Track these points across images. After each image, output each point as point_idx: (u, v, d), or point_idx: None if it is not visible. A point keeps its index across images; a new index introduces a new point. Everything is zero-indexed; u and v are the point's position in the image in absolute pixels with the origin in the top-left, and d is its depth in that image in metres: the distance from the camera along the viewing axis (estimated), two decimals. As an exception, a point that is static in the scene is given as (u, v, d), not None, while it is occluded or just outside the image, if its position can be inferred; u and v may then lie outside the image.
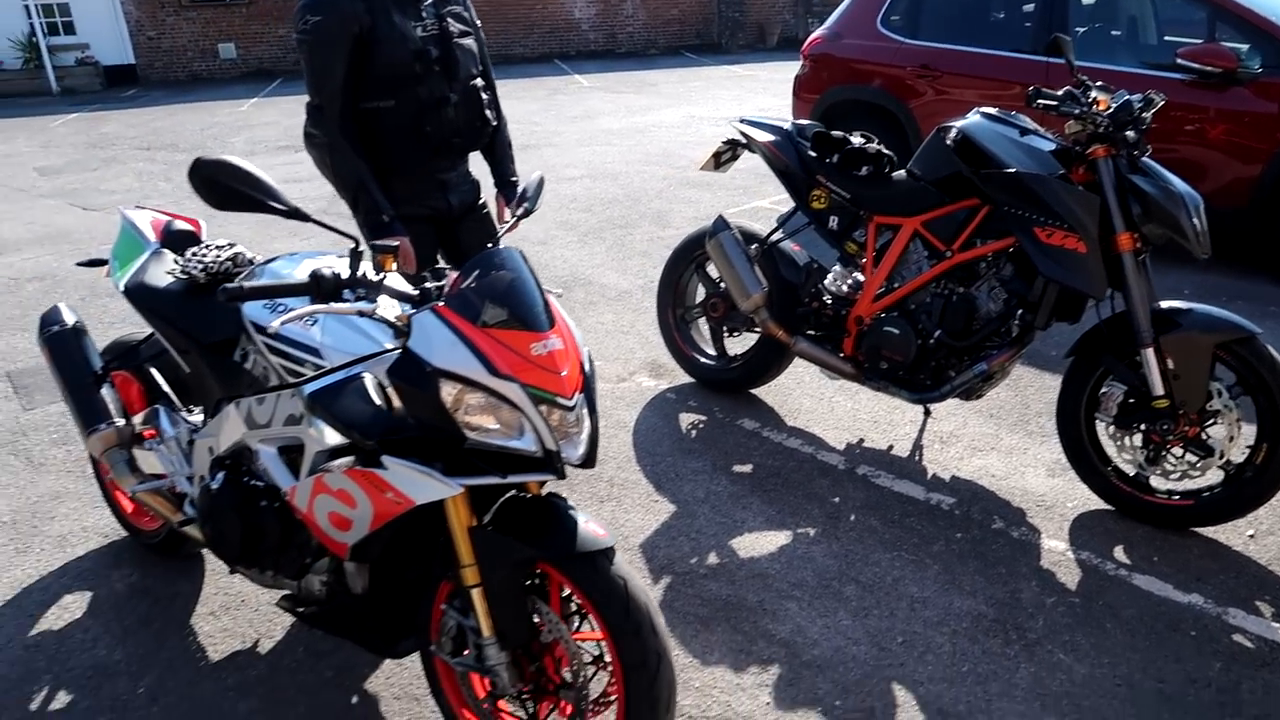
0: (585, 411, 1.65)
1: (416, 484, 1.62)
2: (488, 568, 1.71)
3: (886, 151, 3.14)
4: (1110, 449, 2.82)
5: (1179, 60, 4.52)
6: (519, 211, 1.99)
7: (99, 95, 13.75)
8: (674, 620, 2.43)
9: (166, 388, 2.45)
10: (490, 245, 1.75)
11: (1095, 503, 2.89)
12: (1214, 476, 2.71)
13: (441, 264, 2.73)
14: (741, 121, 3.48)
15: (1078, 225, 2.60)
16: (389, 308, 1.71)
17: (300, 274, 1.92)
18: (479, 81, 2.67)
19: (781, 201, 6.51)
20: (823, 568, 2.64)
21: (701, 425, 3.49)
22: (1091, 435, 2.82)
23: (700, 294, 3.74)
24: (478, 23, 2.72)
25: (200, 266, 2.15)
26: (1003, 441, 3.31)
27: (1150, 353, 2.59)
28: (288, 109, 11.80)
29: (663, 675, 1.68)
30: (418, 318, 1.59)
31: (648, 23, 18.24)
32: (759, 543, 2.76)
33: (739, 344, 3.71)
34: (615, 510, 2.95)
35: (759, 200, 6.72)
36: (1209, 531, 2.74)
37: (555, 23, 17.51)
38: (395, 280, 1.83)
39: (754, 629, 2.40)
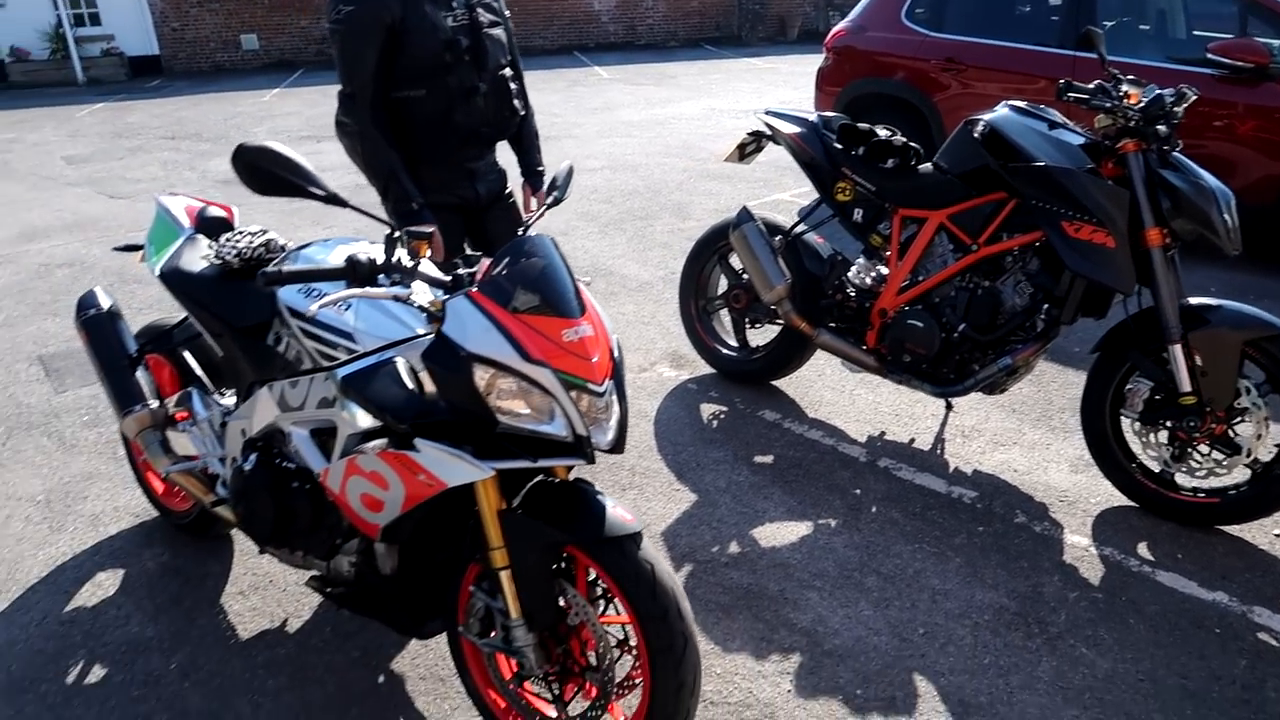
0: (614, 398, 1.67)
1: (448, 466, 1.65)
2: (516, 551, 1.73)
3: (913, 144, 3.13)
4: (1135, 445, 2.82)
5: (1209, 55, 4.48)
6: (548, 200, 2.01)
7: (124, 85, 13.88)
8: (695, 608, 2.45)
9: (199, 371, 2.49)
10: (518, 234, 1.77)
11: (1118, 499, 2.88)
12: (1240, 474, 2.70)
13: (471, 251, 2.76)
14: (766, 113, 3.48)
15: (1106, 220, 2.59)
16: (422, 293, 1.74)
17: (334, 259, 1.95)
18: (507, 71, 2.69)
19: (802, 194, 6.50)
20: (844, 558, 2.65)
21: (723, 416, 3.50)
22: (1116, 431, 2.81)
23: (723, 285, 3.75)
24: (506, 13, 2.74)
25: (234, 252, 2.19)
26: (1025, 436, 3.30)
27: (1178, 349, 2.58)
28: (309, 99, 11.87)
29: (688, 659, 1.71)
30: (452, 303, 1.61)
31: (668, 15, 18.20)
32: (780, 533, 2.78)
33: (760, 335, 3.72)
34: (637, 498, 2.97)
35: (779, 193, 6.71)
36: (1234, 529, 2.73)
37: (575, 14, 17.51)
38: (427, 267, 1.86)
39: (775, 617, 2.41)
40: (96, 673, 2.27)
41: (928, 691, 2.15)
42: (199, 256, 2.28)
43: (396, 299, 1.62)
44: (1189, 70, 4.63)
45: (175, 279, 2.25)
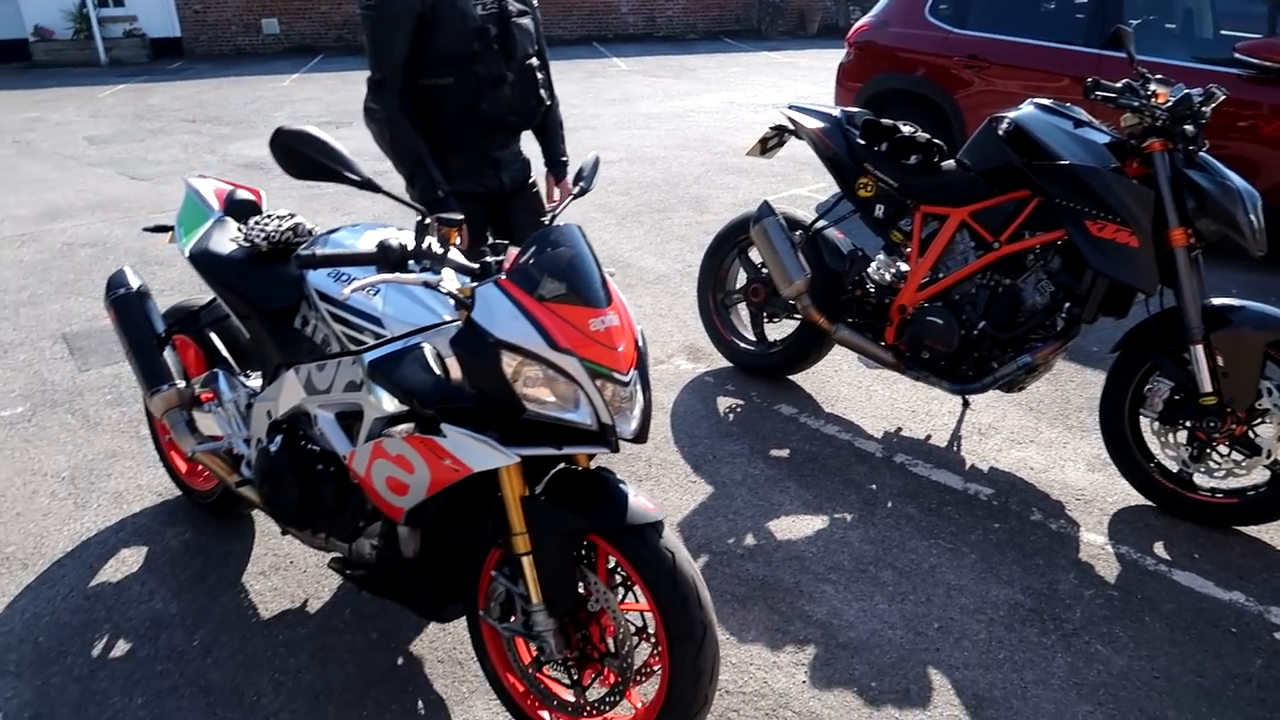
0: (638, 387, 1.69)
1: (474, 452, 1.67)
2: (539, 537, 1.75)
3: (936, 141, 3.13)
4: (1154, 445, 2.81)
5: (1237, 54, 4.44)
6: (574, 191, 2.02)
7: (145, 67, 13.96)
8: (711, 598, 2.46)
9: (225, 352, 2.52)
10: (543, 223, 1.79)
11: (1135, 498, 2.89)
12: (1260, 475, 2.70)
13: (497, 240, 2.78)
14: (790, 108, 3.48)
15: (1131, 219, 2.58)
16: (451, 280, 1.76)
17: (364, 245, 1.97)
18: (534, 61, 2.70)
19: (820, 190, 6.48)
20: (859, 552, 2.66)
21: (739, 409, 3.52)
22: (1135, 431, 2.81)
23: (741, 279, 3.76)
24: (534, 3, 2.75)
25: (263, 235, 2.21)
26: (1042, 435, 3.30)
27: (1199, 349, 2.58)
28: (329, 85, 11.91)
29: (707, 647, 1.72)
30: (481, 290, 1.63)
31: (687, 7, 18.13)
32: (795, 526, 2.79)
33: (778, 330, 3.73)
34: (654, 489, 2.98)
35: (797, 188, 6.70)
36: (1252, 530, 2.73)
37: (594, 5, 17.47)
38: (456, 254, 1.88)
39: (790, 609, 2.43)
40: (121, 647, 2.31)
41: (942, 685, 2.17)
42: (228, 239, 2.30)
43: (427, 285, 1.64)
44: (1215, 70, 4.60)
45: (204, 260, 2.27)
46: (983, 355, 3.01)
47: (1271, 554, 2.63)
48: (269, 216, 2.28)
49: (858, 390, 3.67)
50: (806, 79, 12.22)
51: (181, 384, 2.45)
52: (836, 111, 3.36)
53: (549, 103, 2.82)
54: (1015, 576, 2.55)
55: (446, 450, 1.69)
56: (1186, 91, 2.58)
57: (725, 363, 3.85)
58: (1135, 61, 2.80)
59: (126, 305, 2.47)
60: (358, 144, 7.27)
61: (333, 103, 10.50)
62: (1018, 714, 2.08)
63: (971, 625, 2.36)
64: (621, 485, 1.77)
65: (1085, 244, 2.68)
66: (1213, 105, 2.61)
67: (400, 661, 2.26)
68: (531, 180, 2.90)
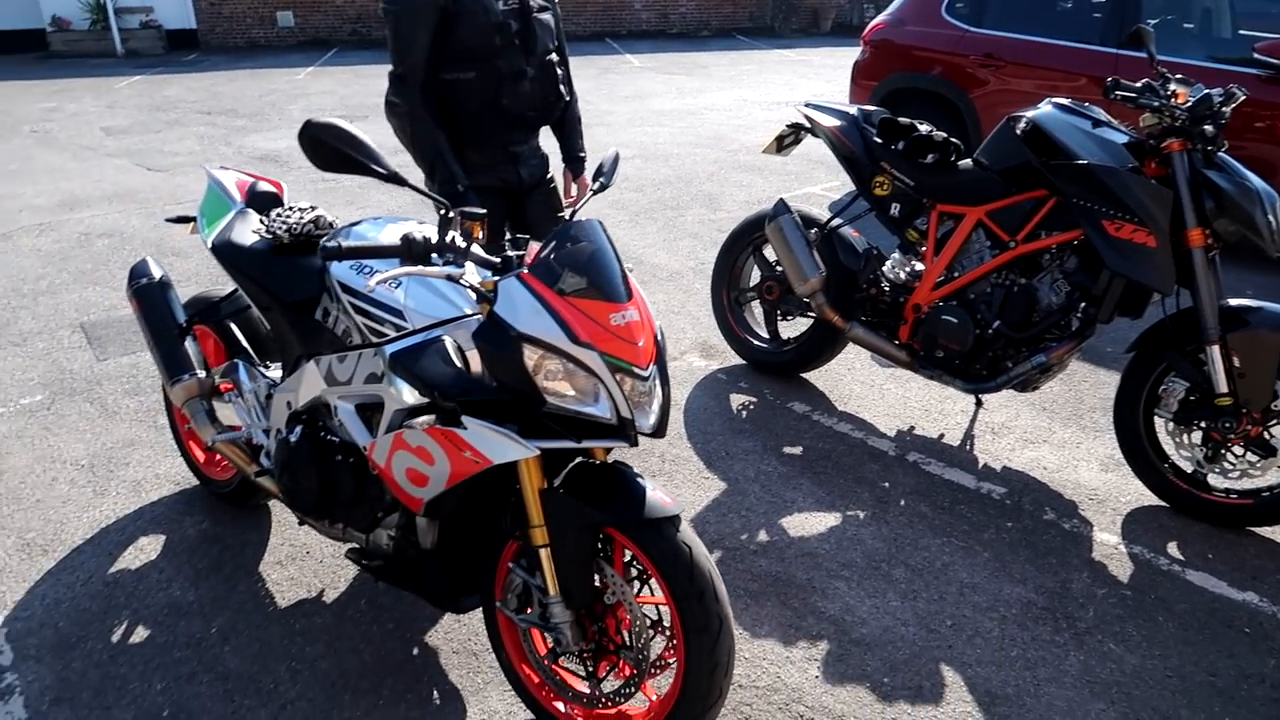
0: (657, 382, 1.70)
1: (495, 444, 1.68)
2: (557, 529, 1.77)
3: (953, 140, 3.13)
4: (1168, 445, 2.81)
5: (1255, 55, 4.42)
6: (594, 186, 2.03)
7: (161, 59, 14.02)
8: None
9: (245, 343, 2.54)
10: (560, 218, 1.80)
11: (1149, 498, 2.89)
12: (1274, 476, 2.70)
13: (518, 235, 2.80)
14: (806, 106, 3.48)
15: (1148, 219, 2.58)
16: (473, 274, 1.77)
17: (386, 238, 1.99)
18: (554, 57, 2.71)
19: (833, 188, 6.48)
20: (872, 550, 2.67)
21: (752, 406, 3.52)
22: (1149, 431, 2.81)
23: (755, 276, 3.76)
24: (555, -1, 2.76)
25: (284, 227, 2.23)
26: (1055, 435, 3.30)
27: (1216, 350, 2.58)
28: (342, 79, 11.94)
29: (723, 640, 1.74)
30: (504, 283, 1.65)
31: (701, 4, 18.10)
32: (808, 523, 2.80)
33: (792, 328, 3.73)
34: (667, 485, 3.00)
35: (810, 186, 6.69)
36: (1266, 531, 2.73)
37: (608, 1, 17.45)
38: (477, 248, 1.89)
39: (803, 605, 2.44)
40: (140, 633, 2.34)
41: (954, 682, 2.18)
42: (250, 230, 2.32)
43: (450, 278, 1.65)
44: (1233, 70, 4.58)
45: (226, 251, 2.30)
46: (997, 354, 3.01)
47: (1286, 556, 2.63)
48: (291, 209, 2.30)
49: (871, 388, 3.67)
50: (820, 77, 12.19)
51: (202, 374, 2.47)
52: (853, 110, 3.36)
53: (568, 98, 2.83)
54: (1028, 575, 2.55)
55: (467, 442, 1.71)
56: (1206, 92, 2.58)
57: (738, 360, 3.86)
58: (1156, 61, 2.79)
59: (149, 295, 2.49)
60: (374, 138, 7.29)
61: (347, 96, 10.53)
62: (1030, 711, 2.09)
63: (984, 623, 2.37)
64: (639, 479, 1.79)
65: (1102, 244, 2.68)
66: (1233, 106, 2.60)
67: (416, 652, 2.28)
68: (549, 175, 2.91)
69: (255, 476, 2.42)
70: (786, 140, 3.55)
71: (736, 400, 3.57)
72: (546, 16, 2.66)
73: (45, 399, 3.55)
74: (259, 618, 2.40)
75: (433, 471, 1.80)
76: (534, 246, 1.78)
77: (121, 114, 9.47)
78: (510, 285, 1.64)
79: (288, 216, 2.26)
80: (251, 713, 2.09)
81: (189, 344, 2.47)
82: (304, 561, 2.61)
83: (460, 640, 2.32)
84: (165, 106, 9.90)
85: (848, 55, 6.60)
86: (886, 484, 3.01)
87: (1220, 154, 2.62)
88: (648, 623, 1.84)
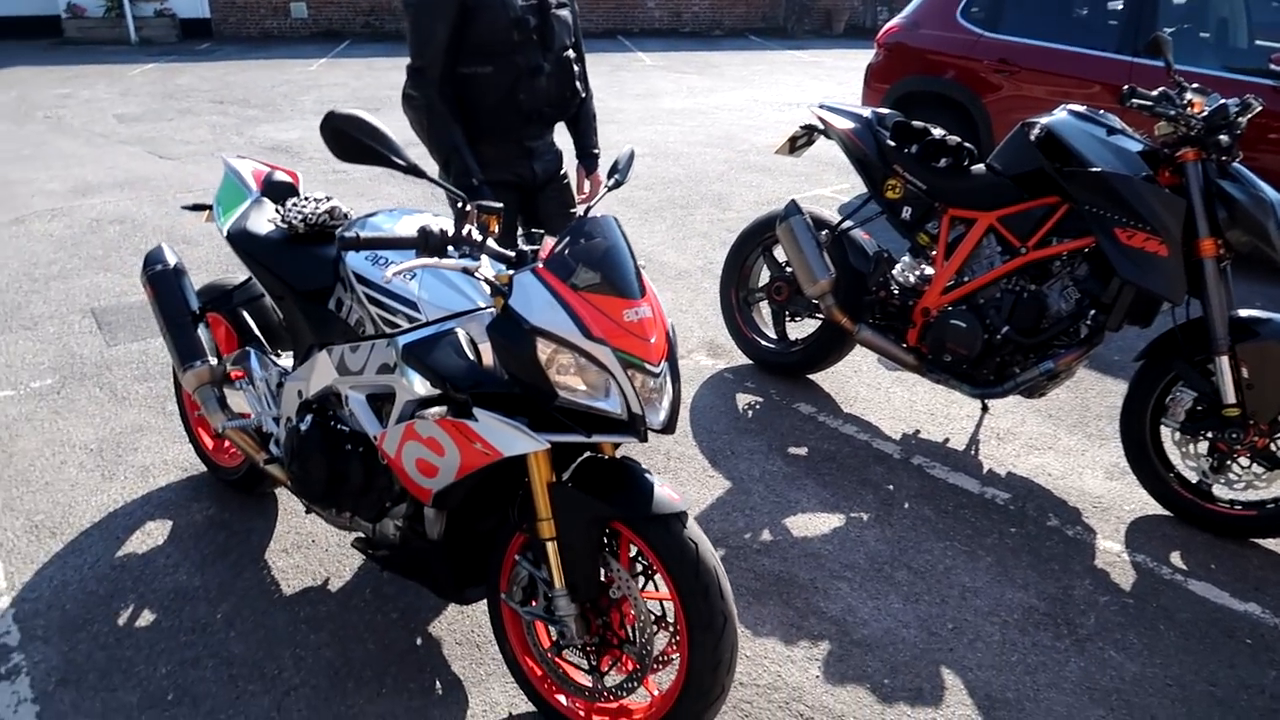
0: (668, 379, 1.71)
1: (505, 437, 1.69)
2: (564, 523, 1.78)
3: (966, 145, 3.13)
4: (1174, 455, 2.82)
5: (1272, 65, 4.41)
6: (609, 183, 2.04)
7: (174, 47, 14.05)
8: (728, 590, 2.49)
9: (257, 331, 2.55)
10: (572, 214, 1.81)
11: (1153, 507, 2.89)
12: (1279, 488, 2.69)
13: (533, 230, 2.82)
14: (820, 107, 3.49)
15: (1160, 228, 2.58)
16: (488, 267, 1.78)
17: (402, 229, 2.00)
18: (571, 53, 2.72)
19: (843, 190, 6.48)
20: (875, 551, 2.68)
21: (758, 406, 3.53)
22: (1155, 440, 2.81)
23: (765, 277, 3.77)
24: (573, -5, 2.77)
25: (300, 217, 2.24)
26: (1061, 442, 3.30)
27: (1225, 360, 2.58)
28: (355, 71, 11.96)
29: (727, 637, 1.75)
30: (519, 277, 1.66)
31: (713, 3, 18.07)
32: (812, 523, 2.81)
33: (799, 329, 3.74)
34: (671, 482, 3.01)
35: (820, 188, 6.69)
36: (1270, 543, 2.73)
37: (621, -1, 17.46)
38: (491, 242, 1.90)
39: (805, 605, 2.45)
40: (146, 617, 2.36)
41: (955, 685, 2.18)
42: (265, 220, 2.34)
43: (466, 271, 1.66)
44: (1249, 80, 4.57)
45: (241, 240, 2.31)
46: (1005, 360, 3.01)
47: (1289, 568, 2.63)
48: (306, 199, 2.31)
49: (877, 391, 3.68)
50: (831, 78, 12.18)
51: (214, 361, 2.49)
52: (867, 112, 3.36)
53: (584, 95, 2.85)
54: (1030, 581, 2.56)
55: (478, 434, 1.72)
56: (1222, 101, 2.58)
57: (745, 359, 3.87)
58: (1173, 70, 2.79)
59: (163, 281, 2.51)
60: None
61: (359, 88, 10.55)
62: (1029, 716, 2.09)
63: (985, 627, 2.37)
64: (647, 475, 1.80)
65: (1114, 251, 2.68)
66: (1248, 116, 2.60)
67: (419, 642, 2.30)
68: (563, 172, 2.92)
69: (264, 464, 2.44)
70: (799, 141, 3.56)
71: (742, 400, 3.58)
72: (565, 13, 2.67)
73: (55, 383, 3.57)
74: (264, 604, 2.41)
75: (443, 462, 1.81)
76: (549, 241, 1.79)
77: (134, 101, 9.50)
78: (525, 279, 1.65)
79: (303, 206, 2.27)
80: (255, 698, 2.11)
81: (202, 331, 2.49)
82: (309, 550, 2.63)
83: (464, 631, 2.33)
84: (178, 95, 9.93)
85: (860, 57, 6.60)
86: (891, 487, 3.01)
87: (1235, 164, 2.62)
88: (652, 618, 1.85)
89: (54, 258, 4.95)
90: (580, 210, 2.79)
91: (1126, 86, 2.70)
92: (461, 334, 1.80)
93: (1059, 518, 2.86)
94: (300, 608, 2.40)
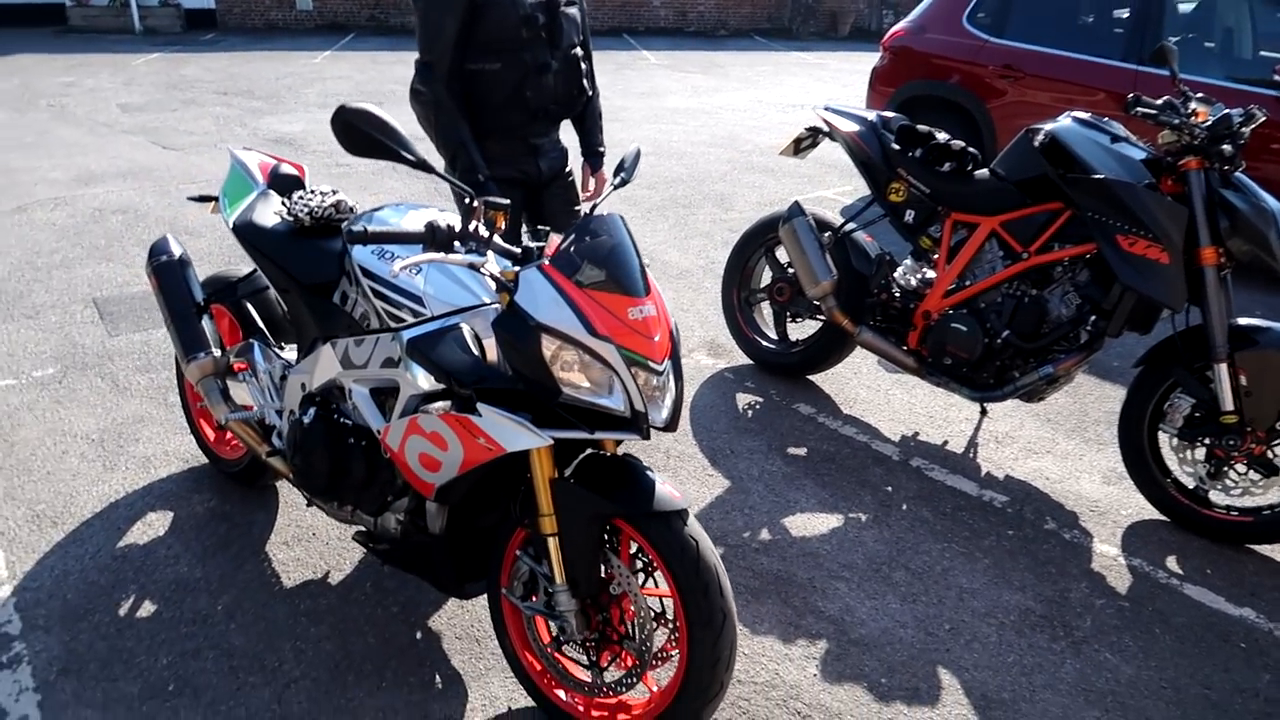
0: (671, 377, 1.72)
1: (509, 432, 1.70)
2: (566, 519, 1.79)
3: (970, 149, 3.15)
4: (1171, 461, 2.83)
5: (1276, 76, 4.43)
6: (615, 181, 2.05)
7: (179, 37, 14.05)
8: (726, 589, 2.50)
9: (261, 324, 2.56)
10: (576, 212, 1.82)
11: (1150, 512, 2.90)
12: (1275, 495, 2.71)
13: (539, 226, 2.82)
14: (825, 109, 3.50)
15: (1162, 235, 2.60)
16: (493, 263, 1.79)
17: (409, 224, 2.01)
18: (578, 51, 2.73)
19: (845, 192, 6.49)
20: (873, 552, 2.69)
21: (758, 406, 3.54)
22: (1153, 446, 2.83)
23: (766, 277, 3.78)
24: (581, -7, 2.78)
25: (306, 210, 2.25)
26: (1059, 446, 3.32)
27: (1223, 368, 2.59)
28: (359, 64, 11.96)
29: (726, 634, 1.76)
30: (525, 274, 1.67)
31: (719, 3, 18.08)
32: (810, 523, 2.82)
33: (800, 330, 3.75)
34: (671, 481, 3.02)
35: (823, 190, 6.70)
36: (1265, 549, 2.74)
37: (626, -3, 17.47)
38: (497, 238, 1.91)
39: (803, 604, 2.46)
40: (147, 607, 2.37)
41: (951, 685, 2.20)
42: (271, 212, 2.35)
43: (472, 266, 1.67)
44: (1253, 91, 4.58)
45: (247, 232, 2.32)
46: (1005, 364, 3.03)
47: (1284, 575, 2.65)
48: (312, 192, 2.32)
49: (876, 393, 3.69)
50: (836, 80, 12.19)
51: (218, 353, 2.50)
52: (871, 115, 3.37)
53: (590, 93, 2.86)
54: (1027, 583, 2.57)
55: (481, 429, 1.73)
56: (1227, 111, 2.59)
57: (745, 359, 3.88)
58: (1178, 79, 2.80)
59: (168, 272, 2.52)
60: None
61: (363, 82, 10.55)
62: (1025, 716, 2.11)
63: (982, 628, 2.39)
64: (648, 472, 1.81)
65: (1115, 258, 2.69)
66: (1252, 126, 2.62)
67: (419, 636, 2.31)
68: (569, 169, 2.93)
69: (266, 456, 2.45)
70: (804, 143, 3.57)
71: (743, 400, 3.59)
72: (573, 11, 2.68)
73: (57, 372, 3.58)
74: (265, 596, 2.42)
75: (446, 457, 1.82)
76: (554, 239, 1.80)
77: (138, 91, 9.50)
78: (531, 276, 1.66)
79: (309, 199, 2.28)
80: (255, 690, 2.12)
81: (206, 322, 2.50)
82: (310, 543, 2.64)
83: (464, 626, 2.34)
84: (182, 85, 9.93)
85: (865, 60, 6.61)
86: (889, 488, 3.03)
87: (1237, 174, 2.64)
88: (651, 614, 1.86)
89: (56, 247, 4.95)
90: (585, 208, 2.80)
91: (1132, 94, 2.71)
92: (466, 329, 1.81)
93: (1056, 521, 2.87)
94: (301, 600, 2.41)
